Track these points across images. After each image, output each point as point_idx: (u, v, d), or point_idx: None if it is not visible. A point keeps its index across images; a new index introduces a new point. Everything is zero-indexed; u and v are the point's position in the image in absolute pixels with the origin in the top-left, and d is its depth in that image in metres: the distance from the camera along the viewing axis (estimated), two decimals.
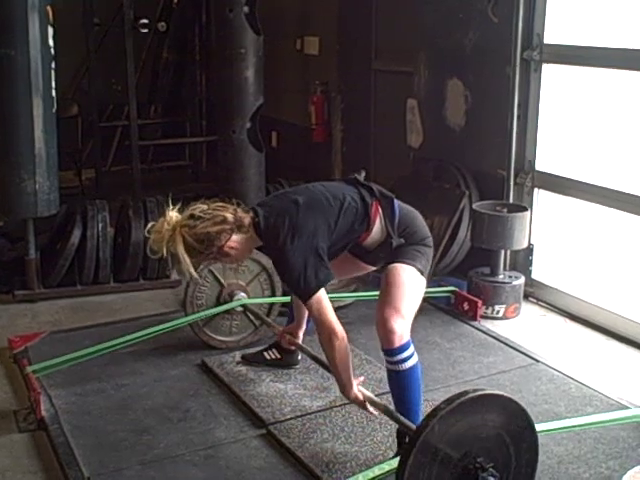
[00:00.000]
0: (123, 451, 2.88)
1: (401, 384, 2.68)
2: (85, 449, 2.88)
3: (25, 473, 2.78)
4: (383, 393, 3.09)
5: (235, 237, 2.69)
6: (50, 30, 4.08)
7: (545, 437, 2.85)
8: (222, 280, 3.68)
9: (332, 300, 2.72)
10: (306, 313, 3.23)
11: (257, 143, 4.67)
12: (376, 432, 2.96)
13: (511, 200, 4.35)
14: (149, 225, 2.69)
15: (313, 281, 2.60)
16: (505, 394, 2.32)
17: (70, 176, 6.45)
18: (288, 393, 3.27)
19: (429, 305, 4.18)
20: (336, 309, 3.98)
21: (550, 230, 4.38)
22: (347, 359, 2.66)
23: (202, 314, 3.64)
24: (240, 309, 3.70)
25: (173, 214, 2.64)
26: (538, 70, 4.25)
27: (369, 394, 2.78)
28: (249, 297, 3.72)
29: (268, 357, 3.49)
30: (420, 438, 2.13)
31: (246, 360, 3.52)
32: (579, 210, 4.16)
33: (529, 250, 4.37)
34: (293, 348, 3.38)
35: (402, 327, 2.65)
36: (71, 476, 2.70)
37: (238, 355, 3.58)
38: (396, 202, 2.83)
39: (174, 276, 4.65)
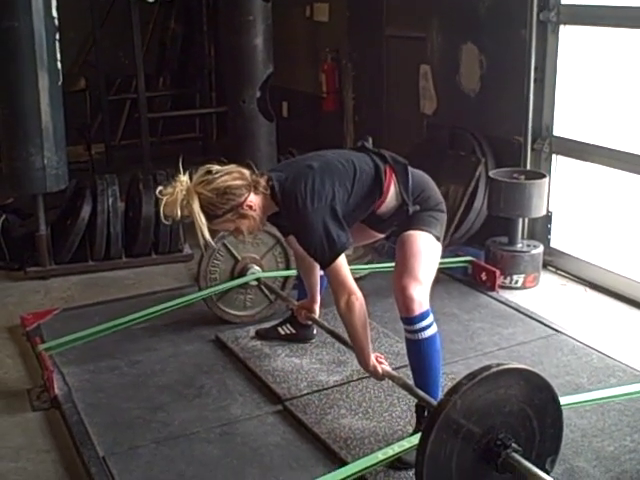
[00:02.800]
0: (137, 429, 2.84)
1: (420, 354, 2.61)
2: (99, 427, 2.85)
3: (39, 452, 2.76)
4: (401, 367, 3.03)
5: (253, 196, 2.60)
6: (53, 1, 3.99)
7: (568, 410, 2.79)
8: (236, 254, 3.62)
9: None
10: (319, 286, 3.17)
11: (267, 113, 4.59)
12: (394, 407, 2.90)
13: (528, 167, 4.26)
14: (159, 188, 2.56)
15: (335, 245, 2.54)
16: (529, 367, 2.24)
17: (80, 151, 6.40)
18: (304, 368, 3.22)
19: (445, 276, 4.11)
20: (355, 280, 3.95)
21: (569, 197, 4.28)
22: (366, 327, 2.60)
23: (216, 288, 3.59)
24: (254, 283, 3.64)
25: (185, 177, 2.54)
26: (555, 32, 4.12)
27: (387, 367, 2.72)
28: (263, 271, 3.65)
29: (282, 332, 3.44)
30: (441, 415, 2.06)
31: (260, 336, 3.47)
32: (598, 176, 4.06)
33: (547, 218, 4.29)
34: (310, 323, 3.32)
35: (421, 294, 2.58)
36: (85, 455, 2.67)
37: (252, 330, 3.53)
38: (409, 168, 2.76)
39: (187, 250, 4.60)
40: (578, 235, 4.24)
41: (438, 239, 2.72)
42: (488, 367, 2.13)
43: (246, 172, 2.61)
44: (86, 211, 4.32)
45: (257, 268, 3.63)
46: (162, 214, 2.55)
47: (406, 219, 2.72)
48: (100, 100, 6.49)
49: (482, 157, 4.43)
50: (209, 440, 2.77)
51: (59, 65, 4.10)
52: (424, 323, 2.58)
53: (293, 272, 3.71)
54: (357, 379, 3.10)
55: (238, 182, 2.57)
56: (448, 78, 4.76)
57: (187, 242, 4.65)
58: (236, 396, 3.06)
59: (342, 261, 2.57)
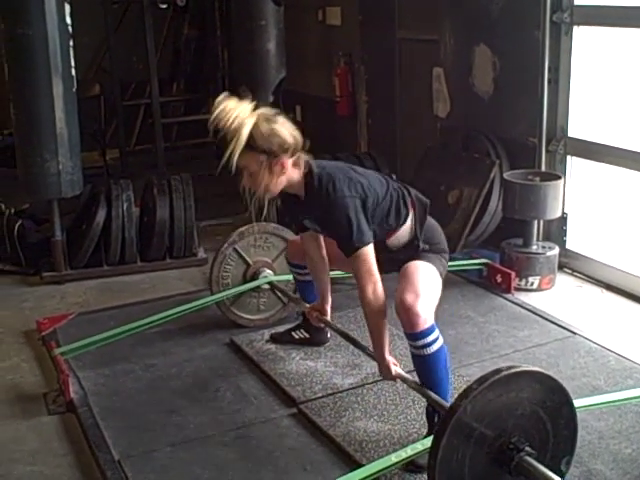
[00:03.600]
0: (153, 432, 2.85)
1: (427, 369, 2.60)
2: (114, 431, 2.85)
3: (55, 456, 2.77)
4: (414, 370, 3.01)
5: (290, 162, 2.61)
6: (67, 7, 4.02)
7: (584, 412, 2.77)
8: (247, 258, 3.62)
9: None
10: (330, 286, 3.14)
11: None
12: (409, 409, 2.89)
13: (543, 168, 4.23)
14: (221, 96, 2.55)
15: (364, 233, 2.56)
16: (540, 370, 2.23)
17: (95, 156, 6.44)
18: (318, 371, 3.21)
19: (460, 278, 4.10)
20: None
21: (584, 198, 4.26)
22: (387, 319, 2.62)
23: (229, 292, 3.59)
24: (267, 286, 3.64)
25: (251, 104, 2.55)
26: (569, 33, 4.10)
27: (400, 370, 2.72)
28: (275, 274, 3.65)
29: (297, 337, 3.44)
30: (452, 419, 2.05)
31: (275, 340, 3.47)
32: (614, 177, 4.03)
33: (563, 219, 4.26)
34: (322, 326, 3.31)
35: (426, 310, 2.56)
36: (101, 458, 2.67)
37: (267, 333, 3.53)
38: (428, 209, 2.82)
39: (201, 254, 4.61)
40: (594, 236, 4.22)
41: (441, 275, 2.74)
42: (498, 370, 2.12)
43: (300, 140, 2.62)
44: (101, 216, 4.34)
45: (269, 272, 3.63)
46: (211, 119, 2.51)
47: (413, 255, 2.74)
48: (114, 106, 6.53)
49: (496, 159, 4.41)
50: (224, 443, 2.77)
51: (73, 71, 4.13)
52: (430, 338, 2.55)
53: None
54: (372, 382, 3.09)
55: (290, 139, 2.57)
56: (461, 80, 4.74)
57: (201, 246, 4.66)
58: (251, 399, 3.05)
59: (370, 249, 2.58)
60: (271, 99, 4.51)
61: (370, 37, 5.52)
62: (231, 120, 2.47)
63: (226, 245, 3.57)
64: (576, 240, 4.29)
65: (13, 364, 3.44)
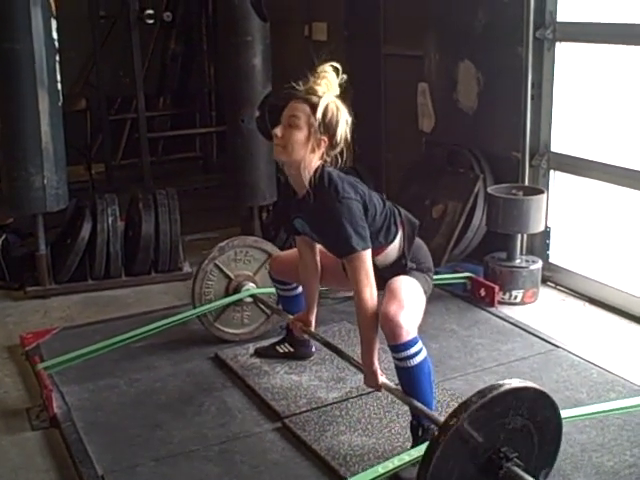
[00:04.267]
0: (137, 447, 2.84)
1: (411, 381, 2.61)
2: (98, 446, 2.84)
3: (38, 471, 2.75)
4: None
5: (324, 147, 2.65)
6: (53, 22, 4.04)
7: (568, 425, 2.78)
8: (229, 272, 3.62)
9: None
10: (317, 297, 3.13)
11: (267, 132, 4.60)
12: (393, 423, 2.90)
13: (527, 183, 4.27)
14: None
15: (364, 235, 2.60)
16: (536, 386, 2.25)
17: (80, 171, 6.41)
18: (303, 385, 3.21)
19: (444, 292, 4.12)
20: (350, 298, 3.96)
21: (567, 213, 4.29)
22: (378, 326, 2.63)
23: (211, 306, 3.58)
24: (250, 300, 3.64)
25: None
26: (551, 49, 4.15)
27: (386, 380, 2.72)
28: (257, 287, 3.66)
29: (281, 351, 3.44)
30: (450, 431, 2.07)
31: (259, 354, 3.47)
32: (596, 191, 4.08)
33: (546, 233, 4.29)
34: (306, 337, 3.30)
35: (409, 322, 2.57)
36: (84, 474, 2.66)
37: (252, 347, 3.53)
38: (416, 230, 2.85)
39: (186, 268, 4.60)
40: (577, 250, 4.25)
41: (425, 293, 2.76)
42: (499, 386, 2.15)
43: (339, 148, 2.69)
44: (86, 230, 4.33)
45: (251, 284, 3.63)
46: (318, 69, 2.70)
47: (398, 273, 2.76)
48: (100, 120, 6.52)
49: (480, 173, 4.44)
50: (208, 458, 2.76)
51: (59, 86, 4.13)
52: (412, 350, 2.56)
53: None
54: (356, 396, 3.10)
55: (340, 134, 2.65)
56: (446, 96, 4.79)
57: (187, 260, 4.66)
58: (235, 413, 3.05)
59: (369, 254, 2.62)
60: (257, 114, 4.52)
61: (355, 52, 5.55)
62: (328, 80, 2.65)
63: (207, 261, 3.57)
64: (559, 254, 4.32)
65: None
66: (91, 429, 2.96)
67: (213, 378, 3.35)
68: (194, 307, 3.62)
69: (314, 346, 3.44)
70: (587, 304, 4.04)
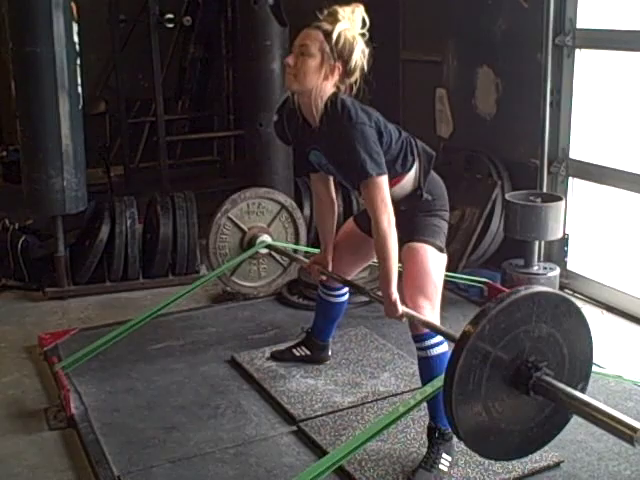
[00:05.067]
0: (153, 449, 2.85)
1: (432, 371, 2.59)
2: (115, 447, 2.86)
3: (55, 471, 2.77)
4: (416, 388, 3.02)
5: (338, 74, 2.63)
6: (75, 26, 4.07)
7: (584, 434, 2.79)
8: (242, 225, 3.59)
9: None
10: (334, 234, 3.08)
11: (285, 136, 4.61)
12: (409, 428, 2.89)
13: (545, 190, 4.26)
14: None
15: (380, 161, 2.56)
16: (557, 292, 2.18)
17: (99, 173, 6.47)
18: (319, 389, 3.22)
19: (461, 298, 4.12)
20: (367, 302, 3.97)
21: (585, 220, 4.28)
22: (397, 254, 2.59)
23: (229, 264, 3.55)
24: (265, 251, 3.60)
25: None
26: (571, 56, 4.14)
27: (406, 309, 2.62)
28: (272, 238, 3.64)
29: (297, 354, 3.44)
30: (470, 339, 1.98)
31: (275, 358, 3.47)
32: (615, 199, 4.06)
33: (564, 240, 4.28)
34: (324, 279, 3.21)
35: (431, 312, 2.60)
36: (101, 474, 2.68)
37: (268, 351, 3.54)
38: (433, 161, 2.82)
39: (203, 271, 4.62)
40: (595, 258, 4.23)
41: (442, 250, 2.73)
42: (516, 291, 2.07)
43: (354, 74, 2.67)
44: (104, 232, 4.36)
45: (266, 236, 3.61)
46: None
47: (410, 221, 2.70)
48: (120, 123, 6.57)
49: (498, 180, 4.44)
50: (224, 460, 2.77)
51: (80, 89, 4.17)
52: (434, 340, 2.59)
53: (302, 246, 3.68)
54: (372, 401, 3.10)
55: (355, 60, 2.65)
56: (464, 101, 4.78)
57: (204, 263, 4.67)
58: (251, 417, 3.06)
59: (385, 180, 2.57)
60: (275, 118, 4.54)
61: (374, 58, 5.54)
62: (350, 14, 2.60)
63: (219, 214, 3.54)
64: (577, 261, 4.30)
65: (14, 379, 3.45)
66: (108, 430, 2.98)
67: (229, 381, 3.36)
68: (210, 264, 3.58)
69: (330, 350, 3.44)
70: (605, 312, 4.02)
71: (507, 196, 4.18)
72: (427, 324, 2.56)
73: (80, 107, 4.19)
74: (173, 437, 2.93)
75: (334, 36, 2.58)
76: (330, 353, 3.44)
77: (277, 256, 3.63)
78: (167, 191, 5.36)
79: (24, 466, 2.79)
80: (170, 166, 6.21)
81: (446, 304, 2.82)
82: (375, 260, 2.77)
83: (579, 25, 4.08)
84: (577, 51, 4.12)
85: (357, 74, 2.67)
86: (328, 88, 2.64)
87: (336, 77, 2.64)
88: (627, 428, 1.89)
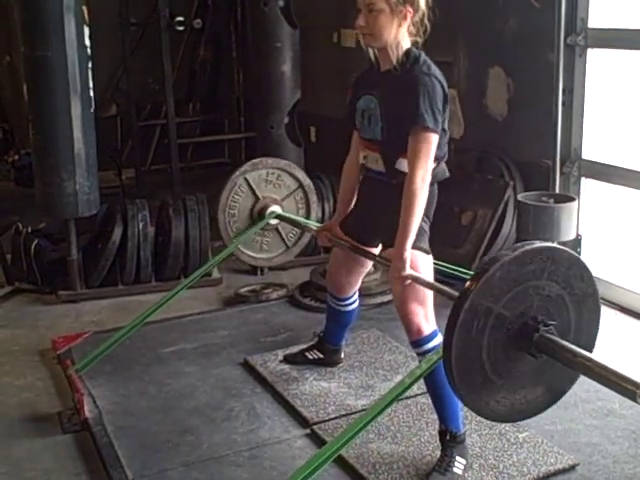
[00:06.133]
0: (166, 452, 2.86)
1: (434, 377, 2.55)
2: (129, 450, 2.86)
3: (69, 475, 2.78)
4: (425, 392, 3.01)
5: (410, 17, 2.62)
6: (86, 30, 4.08)
7: (599, 436, 2.78)
8: (257, 192, 3.58)
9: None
10: (350, 203, 3.00)
11: (296, 138, 4.63)
12: (422, 431, 2.89)
13: (557, 190, 4.24)
14: None
15: (439, 118, 2.53)
16: (573, 253, 2.12)
17: (111, 176, 6.48)
18: (332, 392, 3.21)
19: None
20: (380, 304, 3.96)
21: (599, 220, 4.25)
22: (422, 213, 2.56)
23: (243, 236, 3.54)
24: (273, 224, 3.59)
25: None
26: (583, 55, 4.12)
27: (413, 272, 2.57)
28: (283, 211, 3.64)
29: (310, 357, 3.44)
30: (482, 279, 1.92)
31: (288, 361, 3.47)
32: (629, 199, 4.03)
33: (577, 241, 4.25)
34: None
35: (427, 316, 2.62)
36: (115, 478, 2.69)
37: (281, 354, 3.54)
38: None
39: (215, 274, 4.63)
40: (608, 258, 4.21)
41: (427, 252, 2.69)
42: (531, 242, 2.03)
43: (424, 15, 2.68)
44: (117, 235, 4.37)
45: (277, 207, 3.59)
46: None
47: (394, 222, 2.61)
48: (131, 126, 6.59)
49: (510, 181, 4.42)
50: (238, 463, 2.77)
51: (91, 93, 4.17)
52: (433, 343, 2.59)
53: (312, 222, 3.65)
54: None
55: (422, 3, 2.65)
56: (475, 102, 4.77)
57: (216, 266, 4.68)
58: (264, 419, 3.06)
59: (435, 139, 2.53)
60: (286, 120, 4.55)
61: None
62: None
63: (237, 173, 3.53)
64: (590, 262, 4.24)
65: (28, 382, 3.46)
66: (122, 433, 2.98)
67: (242, 384, 3.36)
68: (217, 219, 3.57)
69: (343, 352, 3.44)
70: (618, 313, 4.00)
71: (519, 197, 4.16)
72: (431, 285, 2.54)
73: (92, 110, 4.20)
74: (187, 440, 2.93)
75: None
76: (343, 356, 3.44)
77: (283, 233, 3.61)
78: (178, 194, 5.38)
79: (38, 470, 2.80)
80: (181, 169, 6.23)
81: (445, 300, 2.79)
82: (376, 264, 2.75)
83: (591, 25, 4.05)
84: (589, 51, 4.10)
85: (424, 9, 2.67)
86: (404, 34, 2.64)
87: (409, 20, 2.63)
88: (630, 384, 1.86)
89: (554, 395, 2.21)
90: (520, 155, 4.49)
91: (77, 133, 4.08)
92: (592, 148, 4.19)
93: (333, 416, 3.02)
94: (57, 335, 3.81)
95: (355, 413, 3.03)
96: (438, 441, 2.71)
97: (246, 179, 3.56)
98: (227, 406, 3.17)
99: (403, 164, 2.62)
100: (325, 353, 3.42)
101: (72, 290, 4.37)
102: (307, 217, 3.73)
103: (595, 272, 4.19)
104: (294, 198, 3.62)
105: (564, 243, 4.22)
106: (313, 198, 3.63)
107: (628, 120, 4.02)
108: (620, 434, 2.80)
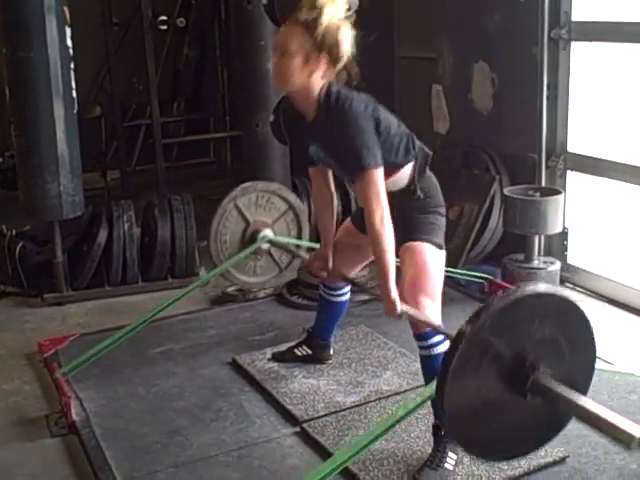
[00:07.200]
0: (155, 454, 2.83)
1: (434, 370, 2.52)
2: (117, 453, 2.84)
3: (57, 478, 2.75)
4: (419, 386, 3.01)
5: (324, 66, 2.55)
6: (68, 31, 4.04)
7: (589, 428, 2.76)
8: (248, 216, 3.55)
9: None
10: (333, 231, 3.05)
11: (281, 136, 4.60)
12: (412, 427, 2.88)
13: (543, 184, 4.24)
14: None
15: (376, 153, 2.51)
16: (566, 295, 2.07)
17: (96, 177, 6.44)
18: (321, 389, 3.20)
19: (462, 295, 4.09)
20: (367, 301, 3.95)
21: (585, 213, 4.26)
22: (393, 248, 2.55)
23: (233, 260, 3.51)
24: (266, 247, 3.58)
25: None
26: (567, 49, 4.12)
27: (406, 307, 2.58)
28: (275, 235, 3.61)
29: (299, 354, 3.43)
30: (471, 331, 1.91)
31: (276, 359, 3.45)
32: (614, 191, 4.04)
33: (564, 234, 4.26)
34: (324, 275, 3.17)
35: (433, 310, 2.59)
36: None
37: (269, 352, 3.52)
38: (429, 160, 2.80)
39: (202, 273, 4.60)
40: (595, 251, 4.22)
41: (440, 247, 2.71)
42: (521, 290, 2.01)
43: (344, 60, 2.59)
44: (102, 237, 4.34)
45: (268, 230, 3.57)
46: None
47: (407, 220, 2.67)
48: (115, 126, 6.55)
49: (496, 175, 4.42)
50: (227, 463, 2.75)
51: (74, 94, 4.14)
52: (437, 338, 2.57)
53: (305, 242, 3.66)
54: (375, 400, 3.08)
55: (344, 50, 2.54)
56: (460, 97, 4.77)
57: (203, 266, 4.66)
58: (254, 419, 3.04)
59: (380, 174, 2.52)
60: (271, 118, 4.52)
61: (369, 55, 5.53)
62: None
63: (227, 199, 3.50)
64: (577, 255, 4.29)
65: (15, 386, 3.43)
66: (110, 435, 2.95)
67: (231, 383, 3.34)
68: (209, 246, 3.53)
69: (332, 349, 3.43)
70: (606, 305, 4.01)
71: (506, 191, 4.17)
72: (428, 323, 2.55)
73: (75, 111, 4.17)
74: (176, 441, 2.91)
75: (320, 28, 2.48)
76: (332, 352, 3.43)
77: (276, 256, 3.60)
78: (164, 194, 5.35)
79: (26, 474, 2.78)
80: (166, 168, 6.19)
81: (447, 300, 2.80)
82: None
83: (574, 18, 4.06)
84: (573, 44, 4.11)
85: (345, 59, 2.59)
86: (318, 80, 2.59)
87: (324, 67, 2.57)
88: (625, 435, 1.83)
89: (550, 432, 2.19)
90: (506, 149, 4.49)
91: (60, 134, 4.05)
92: (577, 141, 4.20)
93: (322, 413, 3.00)
94: (43, 338, 3.77)
95: (345, 410, 3.02)
96: (428, 437, 2.70)
97: (236, 205, 3.54)
98: (216, 406, 3.15)
99: (397, 182, 2.69)
100: (314, 348, 3.40)
101: (58, 292, 4.34)
102: (298, 237, 3.70)
103: (582, 264, 4.23)
104: (285, 220, 3.60)
105: (551, 236, 4.24)
106: (304, 218, 3.62)
107: (613, 113, 4.03)
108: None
